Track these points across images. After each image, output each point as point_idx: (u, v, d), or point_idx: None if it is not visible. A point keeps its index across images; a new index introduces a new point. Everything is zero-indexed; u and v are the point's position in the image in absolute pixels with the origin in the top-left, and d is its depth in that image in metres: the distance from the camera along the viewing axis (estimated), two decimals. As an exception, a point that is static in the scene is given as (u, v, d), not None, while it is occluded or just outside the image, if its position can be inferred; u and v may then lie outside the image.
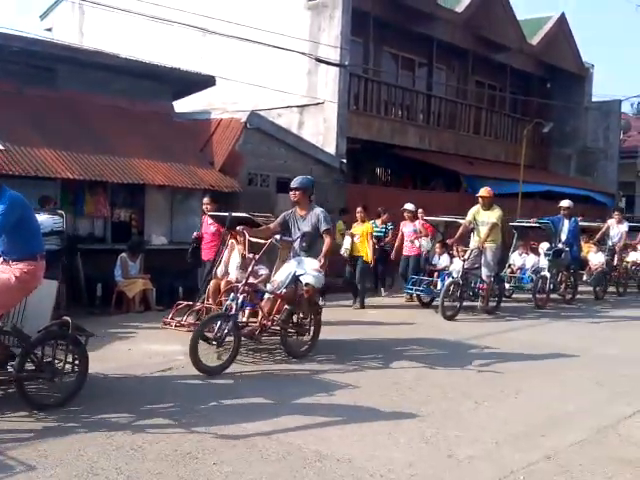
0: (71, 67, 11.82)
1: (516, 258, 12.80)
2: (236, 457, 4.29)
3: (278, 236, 7.14)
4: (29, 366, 4.96)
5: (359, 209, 11.44)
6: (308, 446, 4.51)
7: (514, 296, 12.67)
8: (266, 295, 7.20)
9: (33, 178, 9.69)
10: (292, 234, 7.33)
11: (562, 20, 22.50)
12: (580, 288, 13.07)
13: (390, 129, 17.77)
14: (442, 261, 11.86)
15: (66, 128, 11.13)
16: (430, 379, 6.51)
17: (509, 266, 12.63)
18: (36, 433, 4.56)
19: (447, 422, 5.17)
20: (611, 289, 14.01)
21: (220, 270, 8.10)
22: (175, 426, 4.81)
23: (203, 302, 7.92)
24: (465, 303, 10.49)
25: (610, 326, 10.41)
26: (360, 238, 11.16)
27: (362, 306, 11.09)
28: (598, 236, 14.40)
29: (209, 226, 9.23)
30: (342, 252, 11.26)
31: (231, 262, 8.04)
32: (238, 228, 7.42)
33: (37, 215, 5.20)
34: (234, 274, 7.82)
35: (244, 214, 8.24)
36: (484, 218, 10.50)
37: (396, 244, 12.18)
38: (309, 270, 6.96)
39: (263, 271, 7.70)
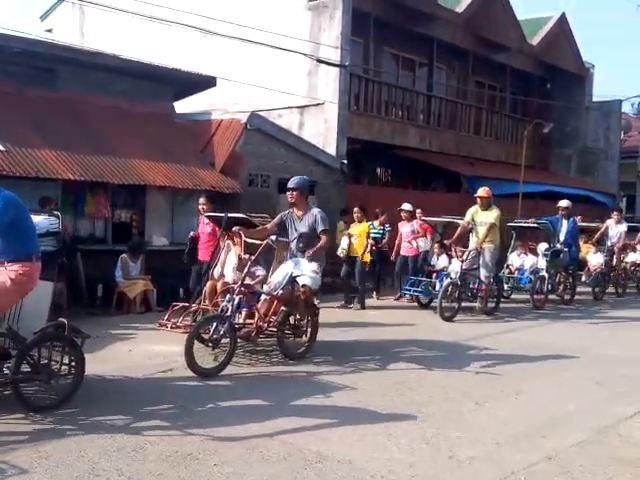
0: (72, 68, 11.84)
1: (514, 259, 12.74)
2: (237, 458, 4.29)
3: (274, 237, 7.10)
4: (25, 368, 4.94)
5: (356, 209, 11.43)
6: (309, 447, 4.52)
7: (512, 297, 12.66)
8: (262, 296, 7.17)
9: (34, 179, 9.71)
10: (289, 235, 7.30)
11: (562, 20, 22.50)
12: (579, 289, 13.05)
13: (390, 129, 17.78)
14: (441, 262, 11.84)
15: (67, 129, 11.14)
16: (430, 380, 6.51)
17: (507, 267, 12.58)
18: (34, 435, 4.56)
19: (448, 423, 5.18)
20: (610, 290, 13.99)
21: (217, 271, 8.08)
22: (176, 427, 4.81)
23: (199, 303, 7.90)
24: (463, 304, 10.47)
25: (609, 327, 10.40)
26: (357, 239, 11.14)
27: (363, 307, 11.10)
28: (597, 236, 14.38)
29: (205, 226, 9.25)
30: (339, 253, 11.23)
31: (227, 263, 8.01)
32: (234, 229, 7.38)
33: (33, 216, 5.14)
34: (230, 275, 7.80)
35: (240, 215, 8.23)
36: (482, 218, 10.49)
37: (396, 243, 12.20)
38: (306, 271, 6.94)
39: (260, 272, 7.68)
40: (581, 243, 13.79)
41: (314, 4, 15.77)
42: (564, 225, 12.13)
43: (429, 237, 12.51)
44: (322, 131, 15.57)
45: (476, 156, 20.22)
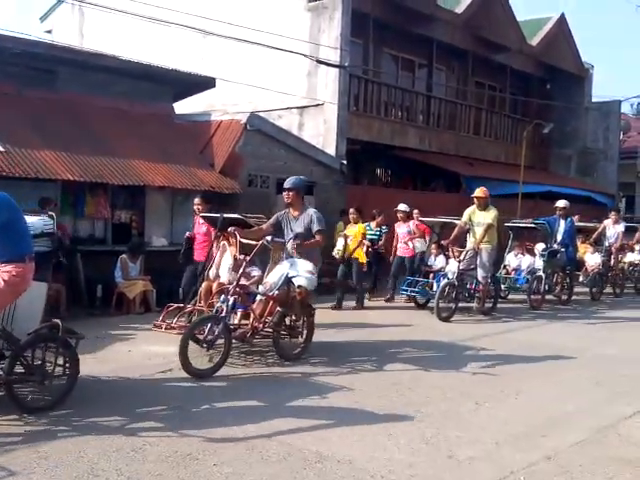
0: (71, 69, 11.83)
1: (511, 259, 12.72)
2: (236, 458, 4.29)
3: (269, 237, 7.09)
4: (19, 369, 4.91)
5: (352, 210, 11.40)
6: (308, 447, 4.52)
7: (509, 297, 12.65)
8: (258, 297, 7.14)
9: (33, 180, 9.72)
10: (285, 235, 7.27)
11: (562, 21, 22.53)
12: (576, 289, 13.04)
13: (390, 130, 17.79)
14: (438, 262, 11.83)
15: (66, 130, 11.15)
16: (428, 381, 6.50)
17: (504, 267, 12.54)
18: (30, 436, 4.55)
19: (447, 423, 5.18)
20: (608, 290, 13.98)
21: (212, 272, 8.05)
22: (174, 428, 4.80)
23: (195, 304, 7.88)
24: (461, 304, 10.45)
25: (607, 327, 10.40)
26: (353, 240, 11.12)
27: (362, 306, 11.10)
28: (594, 236, 14.36)
29: (201, 227, 9.23)
30: (334, 254, 11.20)
31: (223, 264, 7.97)
32: (229, 229, 7.35)
33: (27, 217, 5.12)
34: (226, 276, 7.75)
35: (236, 215, 8.21)
36: (480, 219, 10.47)
37: (394, 244, 12.20)
38: (302, 272, 6.91)
39: (256, 272, 7.63)
40: (579, 243, 13.78)
41: (314, 5, 15.78)
42: (561, 225, 12.12)
43: (427, 237, 12.50)
44: (322, 132, 15.58)
45: (476, 156, 20.24)
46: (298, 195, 7.32)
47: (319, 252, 7.42)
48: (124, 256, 10.30)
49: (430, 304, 10.91)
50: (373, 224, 12.42)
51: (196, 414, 5.18)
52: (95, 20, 18.33)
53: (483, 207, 10.53)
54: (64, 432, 4.65)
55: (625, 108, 29.41)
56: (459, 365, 7.14)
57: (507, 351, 7.94)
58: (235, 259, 7.50)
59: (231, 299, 6.62)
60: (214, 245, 8.28)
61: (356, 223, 11.27)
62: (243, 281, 7.10)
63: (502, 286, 12.04)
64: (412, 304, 11.54)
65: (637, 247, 15.04)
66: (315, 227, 7.12)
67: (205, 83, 14.16)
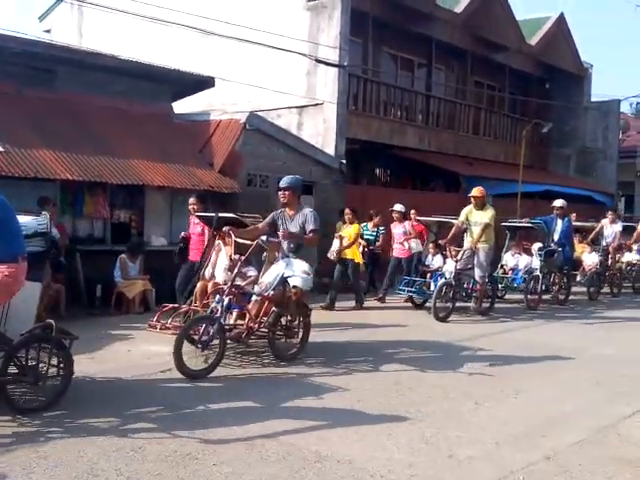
0: (70, 68, 11.82)
1: (509, 258, 12.66)
2: (236, 458, 4.29)
3: (265, 237, 7.06)
4: (12, 370, 4.88)
5: (347, 211, 11.36)
6: (308, 447, 4.52)
7: (507, 297, 12.62)
8: (253, 297, 7.12)
9: (32, 179, 9.70)
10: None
11: (561, 20, 22.53)
12: (574, 289, 13.02)
13: (389, 130, 17.78)
14: (435, 262, 11.81)
15: (65, 129, 11.13)
16: (426, 381, 6.50)
17: (501, 267, 12.53)
18: (26, 436, 4.54)
19: (447, 422, 5.18)
20: (605, 290, 13.96)
21: (208, 272, 8.02)
22: (175, 428, 4.79)
23: (190, 304, 7.85)
24: (458, 304, 10.42)
25: (605, 327, 10.39)
26: (347, 240, 11.07)
27: (361, 307, 11.09)
28: (592, 236, 14.33)
29: (196, 226, 9.20)
30: (329, 255, 11.12)
31: (218, 263, 7.94)
32: (225, 229, 7.31)
33: (20, 216, 5.08)
34: (221, 276, 7.72)
35: (231, 214, 8.18)
36: (477, 218, 10.45)
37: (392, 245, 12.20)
38: (297, 272, 6.88)
39: (252, 272, 7.60)
40: (576, 243, 13.76)
41: (313, 4, 15.77)
42: (559, 225, 12.09)
43: (424, 237, 12.47)
44: (321, 131, 15.57)
45: (475, 156, 20.23)
46: (294, 194, 7.26)
47: (315, 252, 7.40)
48: (123, 256, 10.30)
49: (427, 304, 10.89)
50: (370, 224, 12.39)
51: (195, 414, 5.18)
52: (94, 19, 18.32)
53: (480, 206, 10.52)
54: (62, 433, 4.63)
55: (624, 107, 29.38)
56: (457, 365, 7.13)
57: (505, 351, 7.93)
58: (231, 259, 7.48)
59: (226, 299, 6.60)
60: (209, 245, 8.26)
61: (351, 223, 11.23)
62: (239, 281, 7.07)
63: (499, 286, 11.99)
64: (409, 304, 11.50)
65: (635, 247, 15.02)
66: (309, 226, 7.07)
67: (204, 82, 14.14)
